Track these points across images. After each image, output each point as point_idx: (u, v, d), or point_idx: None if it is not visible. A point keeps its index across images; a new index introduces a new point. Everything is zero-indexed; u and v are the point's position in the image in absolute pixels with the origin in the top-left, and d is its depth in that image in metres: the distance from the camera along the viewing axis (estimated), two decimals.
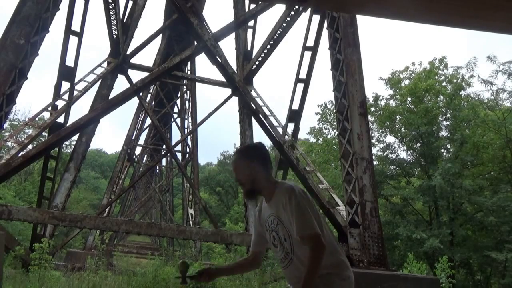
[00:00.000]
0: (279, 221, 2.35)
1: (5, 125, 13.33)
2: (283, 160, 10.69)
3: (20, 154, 7.54)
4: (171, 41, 21.43)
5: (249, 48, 13.32)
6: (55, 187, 10.17)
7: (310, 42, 10.06)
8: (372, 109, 21.03)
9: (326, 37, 8.89)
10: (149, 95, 22.52)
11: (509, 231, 16.28)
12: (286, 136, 10.40)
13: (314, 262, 2.17)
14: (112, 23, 11.29)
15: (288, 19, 10.17)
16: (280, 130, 10.28)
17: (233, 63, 12.63)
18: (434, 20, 3.03)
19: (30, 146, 9.18)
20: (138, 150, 28.88)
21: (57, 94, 9.33)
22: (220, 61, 8.91)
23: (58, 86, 9.37)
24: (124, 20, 12.07)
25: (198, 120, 21.32)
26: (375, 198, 7.19)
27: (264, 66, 12.36)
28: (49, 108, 9.23)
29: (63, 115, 9.37)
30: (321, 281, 2.22)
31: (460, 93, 19.92)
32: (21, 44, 6.79)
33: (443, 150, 20.53)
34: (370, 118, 19.23)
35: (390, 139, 21.55)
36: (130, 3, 12.38)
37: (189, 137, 22.69)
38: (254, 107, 9.85)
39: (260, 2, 9.87)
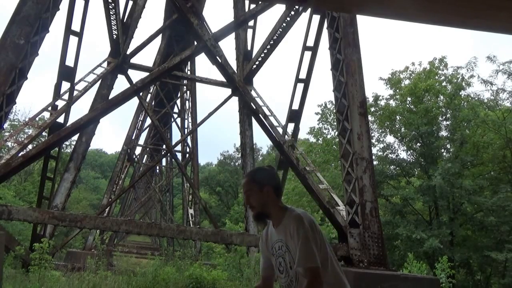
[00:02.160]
0: (287, 249, 2.35)
1: (5, 125, 13.33)
2: (283, 160, 10.70)
3: (20, 154, 7.54)
4: (171, 41, 21.43)
5: (249, 48, 13.31)
6: (55, 187, 10.17)
7: (310, 42, 10.06)
8: (372, 109, 21.02)
9: (326, 37, 8.90)
10: (149, 95, 22.51)
11: (509, 231, 16.29)
12: (286, 136, 10.40)
13: None
14: (112, 23, 11.29)
15: (288, 19, 10.16)
16: (280, 130, 10.28)
17: (233, 63, 12.65)
18: (434, 20, 3.02)
19: (30, 146, 9.19)
20: (138, 150, 28.89)
21: (57, 94, 9.33)
22: (220, 61, 8.91)
23: (58, 86, 9.37)
24: (124, 20, 12.06)
25: (198, 120, 21.33)
26: (375, 198, 7.19)
27: (264, 66, 12.37)
28: (49, 108, 9.23)
29: (63, 115, 9.37)
30: None
31: (460, 93, 19.92)
32: (21, 44, 6.79)
33: (443, 150, 20.54)
34: (370, 118, 19.24)
35: (390, 139, 21.58)
36: (130, 3, 12.38)
37: (189, 137, 22.69)
38: (254, 107, 9.85)
39: (260, 2, 9.87)
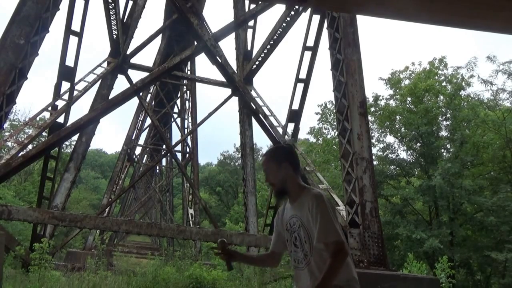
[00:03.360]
0: (301, 223, 2.38)
1: (5, 125, 13.32)
2: None
3: (20, 154, 7.54)
4: (171, 41, 21.42)
5: (249, 48, 13.32)
6: (55, 187, 10.17)
7: (310, 42, 10.06)
8: (372, 109, 21.02)
9: (326, 37, 8.89)
10: (149, 95, 22.51)
11: (509, 231, 16.28)
12: (286, 136, 10.40)
13: (334, 266, 2.18)
14: (112, 23, 11.29)
15: (288, 19, 10.17)
16: (280, 130, 10.28)
17: (233, 63, 12.65)
18: (434, 20, 3.02)
19: (30, 146, 9.19)
20: (138, 150, 28.89)
21: (57, 94, 9.33)
22: (220, 61, 8.91)
23: (58, 86, 9.37)
24: (124, 20, 12.06)
25: (198, 120, 21.32)
26: (375, 198, 7.18)
27: (264, 66, 12.37)
28: (49, 108, 9.24)
29: (63, 115, 9.37)
30: None
31: (460, 93, 19.92)
32: (21, 44, 6.79)
33: (443, 150, 20.54)
34: (370, 118, 19.24)
35: (390, 139, 21.58)
36: (130, 3, 12.38)
37: (189, 137, 22.70)
38: (254, 107, 9.85)
39: (260, 2, 9.87)
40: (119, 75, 11.94)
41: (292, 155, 2.56)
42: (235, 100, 14.00)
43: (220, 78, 12.62)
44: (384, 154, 20.91)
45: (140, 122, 23.63)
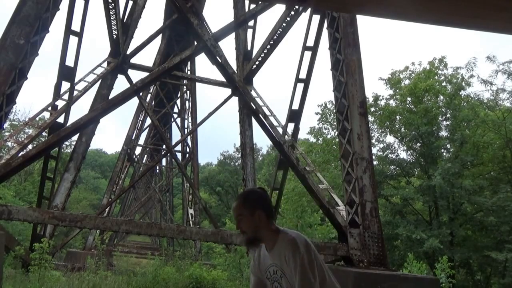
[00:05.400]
0: (283, 273, 2.31)
1: (5, 125, 13.33)
2: (283, 160, 10.69)
3: (20, 154, 7.53)
4: (171, 41, 21.44)
5: (249, 48, 13.32)
6: (55, 187, 10.17)
7: (310, 42, 10.06)
8: (372, 109, 21.02)
9: (326, 37, 8.89)
10: (149, 95, 22.52)
11: (509, 231, 16.28)
12: (286, 136, 10.39)
13: None
14: (112, 23, 11.29)
15: (288, 19, 10.17)
16: (280, 130, 10.28)
17: (233, 63, 12.65)
18: (434, 20, 3.02)
19: (30, 146, 9.18)
20: (138, 150, 28.90)
21: (57, 94, 9.33)
22: (220, 61, 8.90)
23: (58, 86, 9.36)
24: (124, 20, 12.07)
25: (198, 120, 21.33)
26: (375, 198, 7.19)
27: (264, 66, 12.38)
28: (49, 108, 9.23)
29: (63, 115, 9.37)
30: None
31: (460, 93, 19.92)
32: (21, 44, 6.78)
33: (443, 150, 20.54)
34: (370, 118, 19.23)
35: (390, 139, 21.58)
36: (130, 3, 12.38)
37: (189, 137, 22.71)
38: (254, 107, 9.84)
39: (260, 2, 9.87)
40: (119, 75, 11.95)
41: (266, 201, 2.43)
42: (235, 100, 14.02)
43: (220, 78, 12.63)
44: (384, 154, 20.92)
45: (140, 122, 23.64)
